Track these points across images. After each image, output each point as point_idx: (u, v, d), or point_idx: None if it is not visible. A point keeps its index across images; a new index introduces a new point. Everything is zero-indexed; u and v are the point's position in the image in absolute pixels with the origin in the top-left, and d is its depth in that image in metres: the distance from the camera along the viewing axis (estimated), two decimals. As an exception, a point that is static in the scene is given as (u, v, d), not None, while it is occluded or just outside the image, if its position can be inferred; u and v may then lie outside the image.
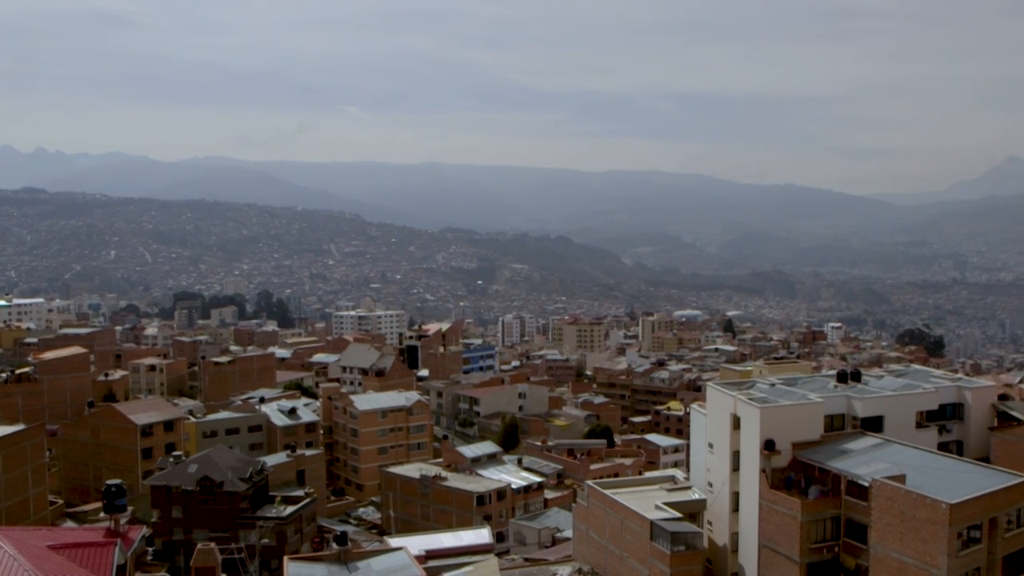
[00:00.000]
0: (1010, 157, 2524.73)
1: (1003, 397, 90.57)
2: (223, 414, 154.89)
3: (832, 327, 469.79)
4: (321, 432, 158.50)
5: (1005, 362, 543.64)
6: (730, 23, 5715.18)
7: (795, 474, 70.83)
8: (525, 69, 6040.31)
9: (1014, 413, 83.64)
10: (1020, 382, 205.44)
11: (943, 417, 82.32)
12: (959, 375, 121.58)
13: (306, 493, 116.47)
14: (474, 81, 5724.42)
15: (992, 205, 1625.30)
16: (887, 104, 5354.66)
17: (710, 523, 78.61)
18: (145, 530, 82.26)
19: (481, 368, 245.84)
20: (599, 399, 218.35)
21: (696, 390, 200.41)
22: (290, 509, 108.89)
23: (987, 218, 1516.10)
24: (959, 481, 61.87)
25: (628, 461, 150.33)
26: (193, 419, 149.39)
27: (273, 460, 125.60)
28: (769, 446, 70.88)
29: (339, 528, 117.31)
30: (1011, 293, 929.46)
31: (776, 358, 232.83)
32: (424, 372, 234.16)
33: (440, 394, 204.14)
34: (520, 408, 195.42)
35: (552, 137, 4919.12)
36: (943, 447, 79.06)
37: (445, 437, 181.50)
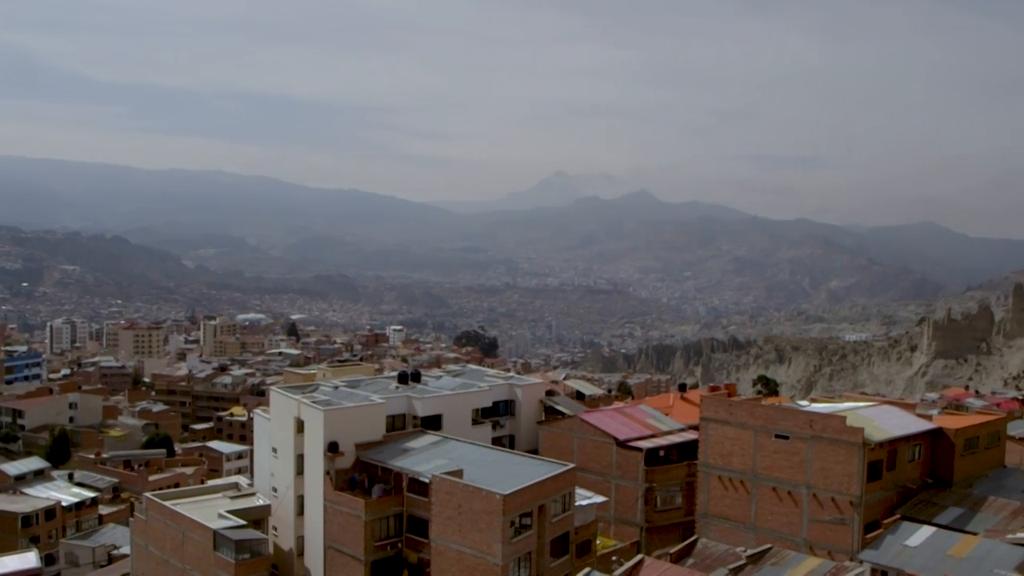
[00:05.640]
0: (557, 171, 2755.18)
1: (550, 393, 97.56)
2: None
3: (394, 330, 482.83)
4: None
5: (552, 360, 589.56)
6: (291, 25, 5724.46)
7: (359, 474, 71.78)
8: (80, 57, 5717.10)
9: (559, 407, 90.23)
10: (565, 379, 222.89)
11: (497, 413, 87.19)
12: (511, 374, 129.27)
13: None
14: (21, 65, 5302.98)
15: (541, 215, 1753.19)
16: (447, 117, 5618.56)
17: (275, 528, 77.74)
18: None
19: (26, 377, 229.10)
20: (158, 407, 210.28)
21: (260, 394, 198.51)
22: None
23: (536, 227, 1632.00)
24: (512, 472, 65.48)
25: (190, 470, 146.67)
26: None
27: None
28: (333, 448, 71.32)
29: None
30: (557, 297, 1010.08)
31: (340, 361, 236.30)
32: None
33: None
34: (71, 419, 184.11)
35: (108, 131, 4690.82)
36: (497, 441, 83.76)
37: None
